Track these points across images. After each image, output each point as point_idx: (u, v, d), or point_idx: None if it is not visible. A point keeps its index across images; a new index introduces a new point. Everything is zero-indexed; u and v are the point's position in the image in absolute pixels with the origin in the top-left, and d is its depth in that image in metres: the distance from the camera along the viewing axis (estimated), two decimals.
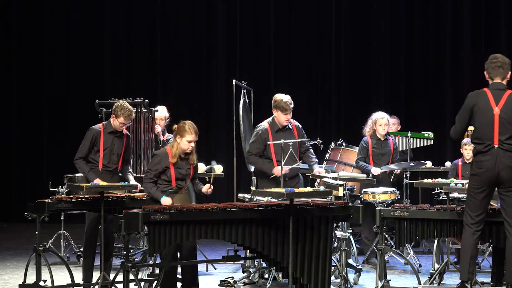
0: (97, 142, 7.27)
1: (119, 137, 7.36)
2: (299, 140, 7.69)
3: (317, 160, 7.96)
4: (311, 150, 7.90)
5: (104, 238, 6.91)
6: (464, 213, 6.23)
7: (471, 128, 6.55)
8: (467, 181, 7.25)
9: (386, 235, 8.07)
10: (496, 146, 6.10)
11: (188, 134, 6.59)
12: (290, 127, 7.81)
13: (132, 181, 7.35)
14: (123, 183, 7.11)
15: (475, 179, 6.16)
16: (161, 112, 8.58)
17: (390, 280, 6.67)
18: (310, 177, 8.10)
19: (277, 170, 7.47)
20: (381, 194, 8.39)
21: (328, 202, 6.47)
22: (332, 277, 7.16)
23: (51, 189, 8.96)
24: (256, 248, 6.12)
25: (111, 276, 6.66)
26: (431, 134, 10.03)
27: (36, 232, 6.69)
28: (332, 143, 9.68)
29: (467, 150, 9.05)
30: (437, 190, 8.05)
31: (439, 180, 7.63)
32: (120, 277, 6.12)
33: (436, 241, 7.69)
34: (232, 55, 13.16)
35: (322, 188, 7.21)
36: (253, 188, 7.67)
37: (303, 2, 13.03)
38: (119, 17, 13.51)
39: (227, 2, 13.20)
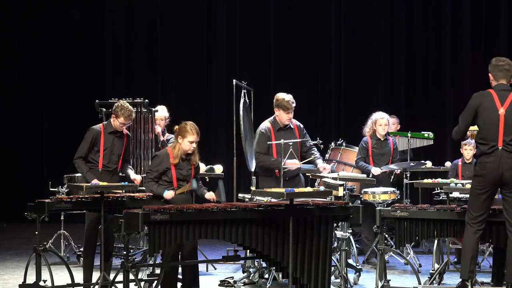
0: (97, 142, 7.27)
1: (119, 137, 7.36)
2: (299, 140, 7.69)
3: (321, 156, 7.98)
4: (314, 148, 7.91)
5: (104, 238, 6.91)
6: (466, 212, 6.23)
7: (473, 128, 6.54)
8: (467, 181, 7.28)
9: (386, 235, 8.07)
10: (500, 147, 6.10)
11: (189, 135, 6.59)
12: (292, 126, 7.82)
13: (132, 175, 7.36)
14: (123, 183, 7.11)
15: (479, 180, 6.16)
16: (161, 112, 8.57)
17: (390, 280, 6.67)
18: (310, 177, 8.10)
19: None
20: (381, 194, 8.39)
21: (328, 202, 6.47)
22: (332, 277, 7.16)
23: (51, 189, 8.96)
24: (256, 248, 6.12)
25: (111, 276, 6.66)
26: (431, 134, 10.03)
27: (36, 232, 6.69)
28: (332, 143, 9.68)
29: (467, 150, 9.06)
30: (437, 190, 8.06)
31: (439, 180, 7.64)
32: (120, 277, 6.12)
33: (436, 241, 7.69)
34: (232, 55, 13.16)
35: (322, 188, 7.22)
36: (253, 188, 7.67)
37: (303, 2, 13.03)
38: (119, 17, 13.51)
39: (227, 2, 13.20)
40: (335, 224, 6.82)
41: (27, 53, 13.56)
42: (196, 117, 10.88)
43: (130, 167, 7.54)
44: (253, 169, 8.33)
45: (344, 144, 9.62)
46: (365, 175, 8.34)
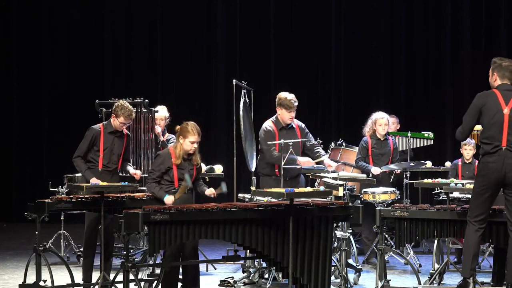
0: (97, 142, 7.27)
1: (119, 137, 7.36)
2: (298, 140, 7.68)
3: (325, 153, 8.00)
4: (318, 146, 7.92)
5: (104, 238, 6.91)
6: (468, 210, 6.23)
7: (477, 128, 6.52)
8: (467, 181, 7.28)
9: (386, 235, 8.07)
10: (504, 147, 6.09)
11: (190, 135, 6.59)
12: (293, 126, 7.83)
13: (132, 170, 7.38)
14: (123, 183, 7.10)
15: (481, 180, 6.16)
16: (161, 112, 8.58)
17: (390, 280, 6.67)
18: (310, 177, 8.11)
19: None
20: (381, 194, 8.39)
21: (328, 202, 6.47)
22: (332, 277, 7.16)
23: (51, 189, 8.96)
24: (256, 248, 6.12)
25: (111, 276, 6.66)
26: (431, 134, 10.03)
27: (36, 232, 6.69)
28: (332, 143, 9.68)
29: (467, 150, 9.06)
30: (437, 190, 8.06)
31: (439, 180, 7.64)
32: (120, 277, 6.12)
33: (436, 241, 7.69)
34: (232, 55, 13.16)
35: (322, 188, 7.22)
36: (253, 188, 7.67)
37: (303, 2, 13.03)
38: (119, 17, 13.51)
39: (227, 2, 13.20)
40: (335, 224, 6.82)
41: (27, 53, 13.56)
42: (196, 117, 10.83)
43: (130, 164, 7.55)
44: (253, 169, 8.34)
45: (344, 144, 9.62)
46: (365, 175, 8.34)
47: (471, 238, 6.16)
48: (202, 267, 8.25)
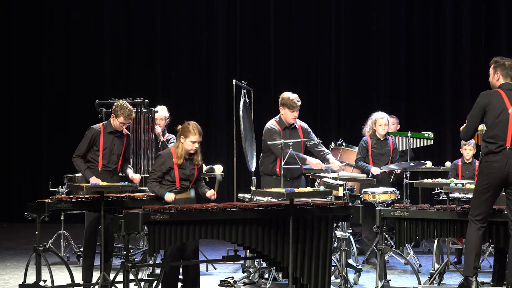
0: (97, 142, 7.27)
1: (119, 137, 7.35)
2: (298, 140, 7.69)
3: (330, 152, 8.00)
4: (320, 145, 7.94)
5: (104, 238, 6.91)
6: (470, 209, 6.22)
7: (479, 127, 6.51)
8: (467, 181, 7.28)
9: (386, 235, 8.07)
10: (508, 147, 6.08)
11: (192, 135, 6.59)
12: (296, 126, 7.85)
13: (131, 173, 7.36)
14: (123, 183, 7.10)
15: (484, 179, 6.15)
16: (161, 112, 8.58)
17: (390, 280, 6.67)
18: (310, 177, 8.11)
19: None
20: (381, 194, 8.39)
21: (328, 202, 6.47)
22: (332, 277, 7.16)
23: (51, 189, 8.96)
24: (256, 248, 6.12)
25: (111, 276, 6.66)
26: (431, 134, 10.03)
27: (36, 232, 6.69)
28: (332, 143, 9.68)
29: (467, 150, 9.06)
30: (437, 190, 8.06)
31: (439, 180, 7.64)
32: (120, 277, 6.12)
33: (436, 241, 7.69)
34: (232, 55, 13.16)
35: (322, 188, 7.22)
36: (253, 188, 7.68)
37: (303, 1, 13.03)
38: (119, 17, 13.50)
39: (227, 2, 13.20)
40: (335, 224, 6.82)
41: (27, 53, 13.56)
42: (196, 117, 10.89)
43: (130, 166, 7.54)
44: (253, 169, 8.34)
45: (344, 144, 9.63)
46: (365, 175, 8.34)
47: (472, 237, 6.16)
48: (202, 267, 8.25)
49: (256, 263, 7.48)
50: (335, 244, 7.39)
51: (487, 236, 6.35)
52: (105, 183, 6.91)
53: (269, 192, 6.39)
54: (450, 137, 12.22)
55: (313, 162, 7.62)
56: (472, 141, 8.86)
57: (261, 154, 7.97)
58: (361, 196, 8.45)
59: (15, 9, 13.62)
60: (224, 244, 9.65)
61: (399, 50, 12.76)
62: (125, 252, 6.05)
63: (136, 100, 8.37)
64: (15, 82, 13.61)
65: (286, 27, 13.10)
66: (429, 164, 9.56)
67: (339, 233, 7.27)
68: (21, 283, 6.89)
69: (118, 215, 5.82)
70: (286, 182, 7.58)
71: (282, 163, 7.28)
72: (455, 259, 8.64)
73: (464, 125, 6.40)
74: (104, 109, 8.55)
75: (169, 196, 6.49)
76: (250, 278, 7.46)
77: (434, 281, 7.23)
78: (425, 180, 7.73)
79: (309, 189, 6.87)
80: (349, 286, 7.28)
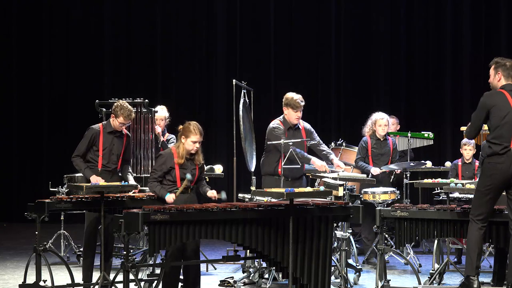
0: (96, 142, 7.27)
1: (118, 137, 7.35)
2: (298, 140, 7.69)
3: (332, 151, 8.01)
4: (321, 144, 7.94)
5: (104, 238, 6.91)
6: (471, 209, 6.22)
7: (485, 127, 6.51)
8: (467, 181, 7.27)
9: (386, 235, 8.07)
10: None
11: (192, 135, 6.58)
12: (299, 127, 7.86)
13: (132, 181, 7.34)
14: (123, 183, 7.10)
15: (487, 180, 6.13)
16: (161, 112, 8.57)
17: (390, 280, 6.67)
18: (311, 177, 8.11)
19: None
20: (381, 194, 8.39)
21: (328, 202, 6.47)
22: (332, 277, 7.16)
23: (51, 189, 8.96)
24: (256, 248, 6.12)
25: (111, 276, 6.66)
26: (431, 134, 10.03)
27: (36, 232, 6.69)
28: (332, 143, 9.68)
29: (467, 150, 9.06)
30: (437, 190, 8.06)
31: (439, 180, 7.63)
32: (120, 277, 6.12)
33: (436, 241, 7.69)
34: (232, 55, 13.16)
35: (322, 188, 7.22)
36: (253, 188, 7.68)
37: (303, 2, 13.03)
38: (119, 17, 13.50)
39: (227, 2, 13.20)
40: (335, 224, 6.82)
41: (27, 53, 13.56)
42: (196, 117, 10.88)
43: (130, 171, 7.49)
44: (253, 169, 8.34)
45: (344, 144, 9.63)
46: (365, 175, 8.34)
47: (474, 237, 6.15)
48: (202, 267, 8.25)
49: (256, 263, 7.48)
50: (335, 244, 7.39)
51: (487, 236, 6.34)
52: (105, 183, 6.91)
53: (269, 192, 6.39)
54: (450, 137, 12.22)
55: (318, 164, 7.62)
56: (472, 141, 8.85)
57: (263, 154, 7.97)
58: (361, 196, 8.45)
59: (15, 9, 13.62)
60: (224, 244, 9.65)
61: (399, 50, 12.76)
62: (125, 252, 6.05)
63: (136, 100, 8.37)
64: (15, 82, 13.61)
65: (286, 27, 13.10)
66: (429, 164, 9.56)
67: (339, 233, 7.27)
68: (21, 283, 6.89)
69: (118, 215, 5.82)
70: (288, 183, 7.58)
71: (283, 163, 7.27)
72: (455, 259, 8.64)
73: (469, 124, 6.40)
74: (104, 109, 8.55)
75: (170, 197, 6.49)
76: (250, 278, 7.46)
77: (434, 281, 7.23)
78: (425, 180, 7.73)
79: (309, 189, 6.87)
80: (349, 286, 7.28)
